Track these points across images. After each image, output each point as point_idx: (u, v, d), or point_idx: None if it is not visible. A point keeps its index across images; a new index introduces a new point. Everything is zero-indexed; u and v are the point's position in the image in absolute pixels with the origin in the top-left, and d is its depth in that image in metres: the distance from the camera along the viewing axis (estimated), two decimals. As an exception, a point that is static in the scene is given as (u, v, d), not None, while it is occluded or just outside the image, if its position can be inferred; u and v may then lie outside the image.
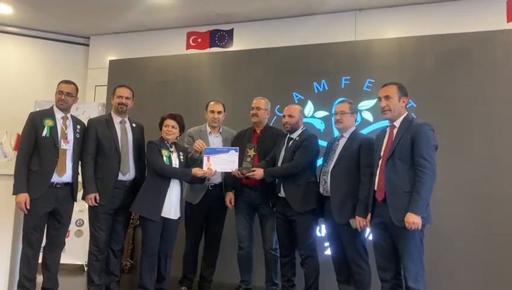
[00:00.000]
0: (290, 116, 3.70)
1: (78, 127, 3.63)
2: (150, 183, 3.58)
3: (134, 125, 3.83)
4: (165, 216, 3.56)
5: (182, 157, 3.71)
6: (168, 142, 3.67)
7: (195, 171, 3.62)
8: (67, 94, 3.56)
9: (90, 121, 3.73)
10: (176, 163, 3.65)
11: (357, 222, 3.19)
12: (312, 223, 3.61)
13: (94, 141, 3.61)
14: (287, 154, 3.65)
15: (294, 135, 3.71)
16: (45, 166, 3.43)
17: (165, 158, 3.57)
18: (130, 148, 3.71)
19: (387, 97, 3.09)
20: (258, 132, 4.00)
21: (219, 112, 4.00)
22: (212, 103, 4.05)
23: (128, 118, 3.82)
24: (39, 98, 5.00)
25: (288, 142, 3.72)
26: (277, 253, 3.88)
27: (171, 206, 3.59)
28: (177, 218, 3.66)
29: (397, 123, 3.05)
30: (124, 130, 3.73)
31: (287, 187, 3.62)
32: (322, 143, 4.32)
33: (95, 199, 3.55)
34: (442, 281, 3.91)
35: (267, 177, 3.62)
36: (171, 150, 3.67)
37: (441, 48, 4.27)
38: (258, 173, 3.62)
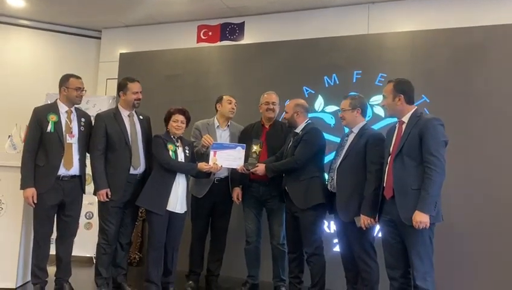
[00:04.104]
0: (285, 111, 3.72)
1: (83, 120, 3.64)
2: (155, 177, 3.57)
3: (141, 117, 3.82)
4: (171, 210, 3.56)
5: (187, 151, 3.70)
6: (174, 137, 3.66)
7: (201, 165, 3.61)
8: (83, 89, 3.60)
9: (98, 116, 3.71)
10: (181, 157, 3.64)
11: (362, 220, 3.13)
12: (316, 219, 3.53)
13: (103, 137, 3.59)
14: (290, 149, 3.62)
15: (298, 129, 3.66)
16: (51, 161, 3.45)
17: (171, 152, 3.56)
18: (140, 142, 3.70)
19: (384, 96, 3.07)
20: (267, 126, 3.97)
21: (235, 104, 4.01)
22: (227, 95, 4.05)
23: (135, 111, 3.80)
24: (50, 90, 5.02)
25: (294, 136, 3.68)
26: (285, 248, 3.85)
27: (177, 200, 3.58)
28: (183, 212, 3.66)
29: (405, 119, 2.98)
30: (132, 124, 3.72)
31: (289, 183, 3.58)
32: (332, 138, 4.30)
33: (107, 194, 3.56)
34: (453, 282, 3.83)
35: (268, 172, 3.60)
36: (177, 144, 3.65)
37: (455, 41, 4.17)
38: (260, 168, 3.60)
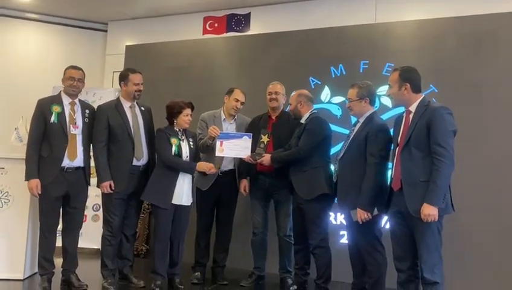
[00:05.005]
0: (289, 104, 3.75)
1: (87, 111, 3.64)
2: (159, 171, 3.57)
3: (143, 108, 3.81)
4: (177, 203, 3.56)
5: (191, 143, 3.68)
6: (180, 130, 3.63)
7: (201, 166, 3.58)
8: (78, 80, 3.58)
9: (99, 108, 3.70)
10: (186, 150, 3.62)
11: (358, 214, 3.08)
12: (320, 212, 3.50)
13: (106, 129, 3.59)
14: (294, 140, 3.59)
15: (303, 120, 3.63)
16: (55, 152, 3.46)
17: (174, 147, 3.54)
18: (142, 133, 3.70)
19: (390, 85, 2.99)
20: (274, 117, 3.94)
21: (242, 103, 3.95)
22: (238, 91, 3.97)
23: (136, 102, 3.78)
24: (57, 83, 5.00)
25: (299, 127, 3.65)
26: (291, 240, 3.83)
27: (183, 193, 3.58)
28: (189, 204, 3.66)
29: (412, 108, 2.91)
30: (134, 115, 3.71)
31: (293, 174, 3.56)
32: (339, 129, 4.26)
33: (110, 186, 3.56)
34: (462, 274, 3.78)
35: (273, 162, 3.58)
36: (182, 137, 3.63)
37: (464, 30, 4.09)
38: (266, 158, 3.59)
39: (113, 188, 3.56)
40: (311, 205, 3.46)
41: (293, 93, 3.74)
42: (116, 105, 3.69)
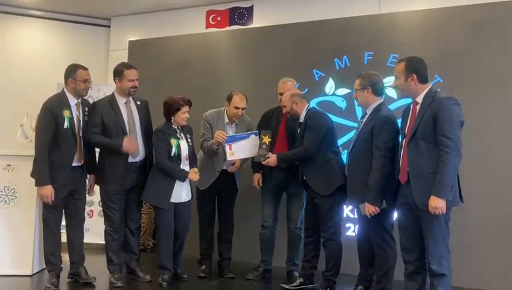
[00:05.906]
0: (283, 106, 3.66)
1: (86, 109, 3.61)
2: (157, 171, 3.57)
3: (138, 103, 3.74)
4: (177, 201, 3.59)
5: (189, 140, 3.68)
6: (178, 127, 3.63)
7: (192, 176, 3.59)
8: (90, 80, 3.54)
9: (94, 104, 3.65)
10: (185, 148, 3.63)
11: (366, 208, 3.06)
12: (335, 205, 3.49)
13: (99, 126, 3.53)
14: (299, 139, 3.58)
15: (301, 118, 3.60)
16: (65, 156, 3.43)
17: (174, 148, 3.53)
18: (138, 130, 3.65)
19: (396, 77, 2.95)
20: (287, 112, 3.91)
21: (243, 109, 3.90)
22: (237, 98, 3.86)
23: (132, 97, 3.72)
24: (61, 80, 5.00)
25: (299, 126, 3.63)
26: (301, 233, 3.84)
27: (182, 191, 3.62)
28: (189, 199, 3.69)
29: (419, 99, 2.87)
30: (130, 111, 3.66)
31: (306, 172, 3.55)
32: (344, 122, 4.25)
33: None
34: (469, 266, 3.77)
35: (279, 162, 3.58)
36: (180, 136, 3.63)
37: (470, 19, 4.04)
38: (272, 159, 3.59)
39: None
40: (327, 199, 3.44)
41: (284, 95, 3.67)
42: (111, 101, 3.62)
